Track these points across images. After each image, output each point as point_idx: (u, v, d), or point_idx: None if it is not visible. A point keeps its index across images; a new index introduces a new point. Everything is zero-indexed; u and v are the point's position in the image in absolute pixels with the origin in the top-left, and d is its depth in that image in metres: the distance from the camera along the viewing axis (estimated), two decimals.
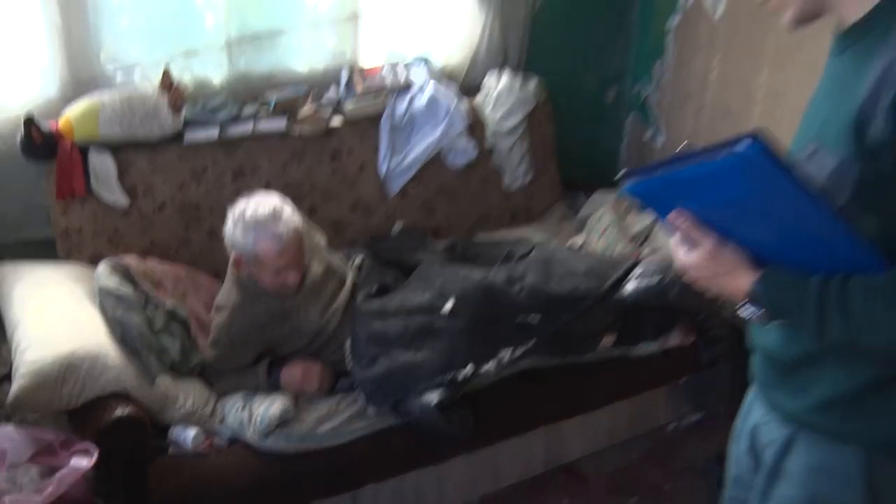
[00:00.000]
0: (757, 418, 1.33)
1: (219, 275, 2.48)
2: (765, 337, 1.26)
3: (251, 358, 2.25)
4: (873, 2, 1.06)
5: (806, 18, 1.13)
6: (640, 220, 2.95)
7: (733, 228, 1.09)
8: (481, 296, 2.30)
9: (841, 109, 1.06)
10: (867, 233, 1.01)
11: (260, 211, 2.13)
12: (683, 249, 1.15)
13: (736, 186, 0.99)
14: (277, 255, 2.13)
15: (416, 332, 2.24)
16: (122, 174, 2.43)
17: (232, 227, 2.15)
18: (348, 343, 2.28)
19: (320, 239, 2.49)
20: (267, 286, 2.19)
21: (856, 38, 1.09)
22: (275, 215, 2.13)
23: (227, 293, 2.26)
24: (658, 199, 1.14)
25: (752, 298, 1.10)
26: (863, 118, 1.01)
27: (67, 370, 1.88)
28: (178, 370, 2.14)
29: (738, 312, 1.15)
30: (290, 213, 2.18)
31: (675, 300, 2.36)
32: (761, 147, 0.92)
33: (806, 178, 0.97)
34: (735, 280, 1.11)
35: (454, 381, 2.16)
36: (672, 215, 1.10)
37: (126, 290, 2.14)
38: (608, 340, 2.45)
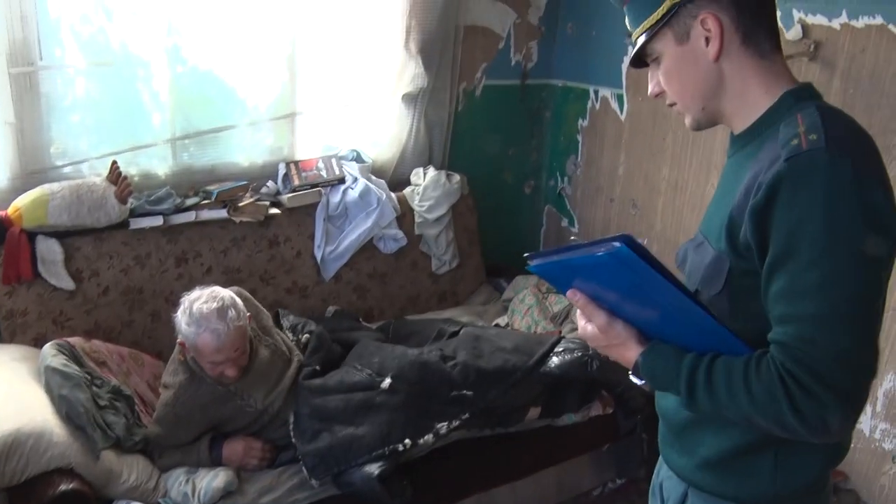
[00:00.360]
0: (662, 474, 1.47)
1: (161, 355, 2.57)
2: (662, 402, 1.39)
3: (194, 435, 2.31)
4: (757, 115, 1.20)
5: (703, 125, 1.28)
6: (560, 301, 3.17)
7: (623, 308, 1.19)
8: (417, 372, 2.44)
9: (721, 209, 1.19)
10: (734, 319, 1.14)
11: (206, 306, 2.21)
12: (583, 321, 1.25)
13: (614, 276, 1.11)
14: (215, 351, 2.19)
15: (356, 407, 2.35)
16: (68, 259, 2.52)
17: (180, 315, 2.23)
18: (291, 418, 2.37)
19: (267, 320, 2.58)
20: (207, 373, 2.28)
21: (742, 144, 1.23)
22: (219, 313, 2.19)
23: (173, 373, 2.33)
24: (557, 278, 1.25)
25: (635, 369, 1.21)
26: (733, 221, 1.13)
27: (12, 447, 1.91)
28: (122, 446, 2.17)
29: (631, 378, 1.27)
30: (235, 314, 2.23)
31: (596, 373, 2.56)
32: (629, 246, 1.04)
33: (672, 276, 1.08)
34: (626, 351, 1.21)
35: (394, 452, 2.28)
36: (569, 293, 1.23)
37: (72, 368, 2.19)
38: (534, 413, 2.61)
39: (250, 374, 2.34)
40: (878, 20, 2.42)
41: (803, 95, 1.18)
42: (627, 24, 1.28)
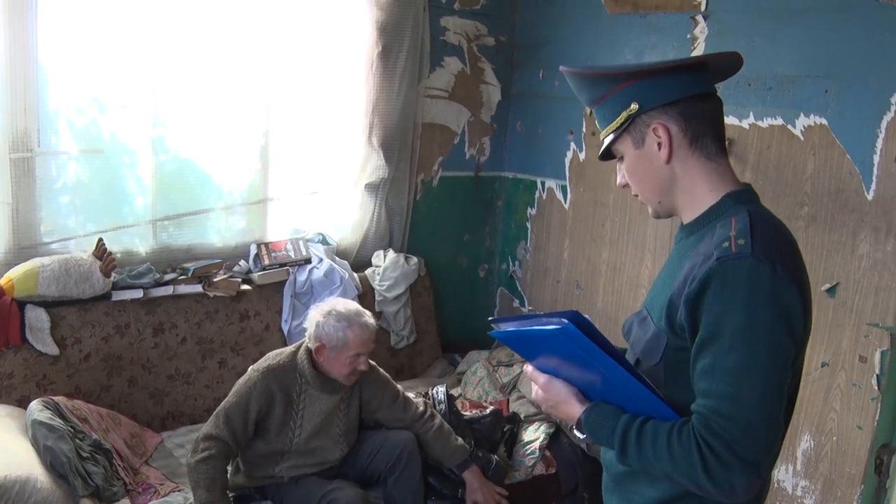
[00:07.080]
0: None
1: (136, 417, 2.75)
2: (605, 454, 1.51)
3: (253, 415, 2.39)
4: (701, 210, 1.34)
5: (661, 215, 1.41)
6: (508, 374, 3.42)
7: (568, 371, 1.34)
8: None
9: (664, 290, 1.31)
10: (668, 386, 1.29)
11: (349, 307, 2.50)
12: (533, 387, 1.41)
13: (563, 347, 1.26)
14: (362, 343, 2.45)
15: None
16: (54, 327, 2.73)
17: (323, 320, 2.45)
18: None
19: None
20: (338, 372, 2.47)
21: (687, 234, 1.36)
22: (359, 312, 2.50)
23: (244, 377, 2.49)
24: (515, 345, 1.44)
25: (577, 425, 1.34)
26: (672, 305, 1.26)
27: None
28: (101, 495, 2.33)
29: (572, 434, 1.48)
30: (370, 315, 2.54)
31: None
32: (575, 324, 1.20)
33: (614, 349, 1.24)
34: (569, 409, 1.35)
35: None
36: (525, 367, 1.42)
37: (57, 422, 2.37)
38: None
39: (318, 385, 2.49)
40: (779, 121, 2.78)
41: (741, 199, 1.32)
42: (597, 123, 1.43)
